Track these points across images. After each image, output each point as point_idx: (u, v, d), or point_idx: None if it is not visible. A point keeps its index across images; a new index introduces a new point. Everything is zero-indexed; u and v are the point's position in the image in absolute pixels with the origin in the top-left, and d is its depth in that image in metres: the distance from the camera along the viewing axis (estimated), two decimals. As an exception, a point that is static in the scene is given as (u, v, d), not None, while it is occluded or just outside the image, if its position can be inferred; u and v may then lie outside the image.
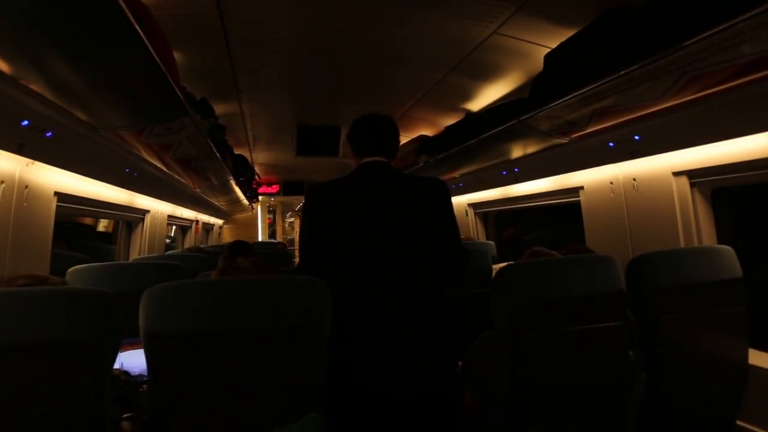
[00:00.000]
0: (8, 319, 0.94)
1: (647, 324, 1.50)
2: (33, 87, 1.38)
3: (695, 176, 2.04)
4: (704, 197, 2.08)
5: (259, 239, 9.18)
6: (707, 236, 2.07)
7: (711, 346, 1.54)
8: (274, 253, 3.68)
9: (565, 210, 3.17)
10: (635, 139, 2.03)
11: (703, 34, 1.21)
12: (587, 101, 1.79)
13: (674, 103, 1.59)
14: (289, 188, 7.49)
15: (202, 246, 4.65)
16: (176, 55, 2.06)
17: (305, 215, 1.51)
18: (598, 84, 1.65)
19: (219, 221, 7.79)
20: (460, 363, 1.51)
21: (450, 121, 3.46)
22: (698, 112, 1.65)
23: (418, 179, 1.57)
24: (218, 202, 5.34)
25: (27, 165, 1.87)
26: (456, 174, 3.72)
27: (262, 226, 9.64)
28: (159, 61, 1.42)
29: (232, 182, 4.30)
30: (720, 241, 2.06)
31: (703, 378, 1.53)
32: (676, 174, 2.08)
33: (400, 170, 1.59)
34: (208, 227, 6.99)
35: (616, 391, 1.40)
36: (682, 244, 2.07)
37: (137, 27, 1.21)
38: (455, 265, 1.47)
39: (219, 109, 3.28)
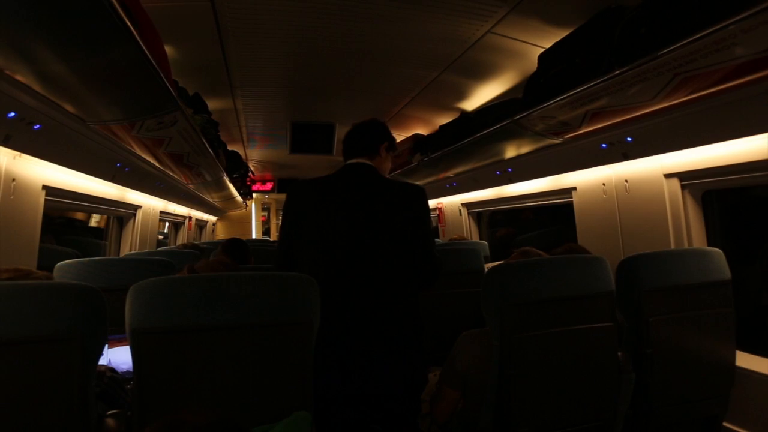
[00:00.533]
0: None
1: (636, 325, 1.50)
2: (19, 78, 1.36)
3: (686, 178, 2.05)
4: (695, 199, 2.09)
5: (253, 237, 9.14)
6: (697, 238, 2.08)
7: (699, 347, 1.55)
8: (267, 250, 3.65)
9: (558, 210, 3.18)
10: (628, 141, 2.04)
11: (695, 36, 1.21)
12: (580, 102, 1.79)
13: (666, 104, 1.59)
14: (283, 186, 7.45)
15: (196, 242, 4.62)
16: (169, 48, 2.04)
17: (284, 212, 1.53)
18: (591, 84, 1.65)
19: (212, 218, 7.75)
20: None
21: (444, 120, 3.46)
22: (690, 114, 1.66)
23: (397, 185, 1.56)
24: (212, 198, 5.30)
25: (14, 157, 1.85)
26: (450, 173, 3.72)
27: (256, 224, 9.60)
28: (149, 54, 1.40)
29: (226, 179, 4.27)
30: (710, 243, 2.08)
31: (690, 379, 1.54)
32: (668, 176, 2.09)
33: (381, 174, 1.60)
34: (201, 224, 6.95)
35: (605, 391, 1.40)
36: (673, 246, 2.08)
37: (125, 18, 1.19)
38: (428, 272, 1.51)
39: (212, 104, 3.25)
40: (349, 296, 1.40)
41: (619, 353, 1.42)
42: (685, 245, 2.07)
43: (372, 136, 1.61)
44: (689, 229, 2.08)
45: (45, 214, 2.20)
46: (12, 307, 0.95)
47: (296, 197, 1.52)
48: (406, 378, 1.45)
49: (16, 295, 0.96)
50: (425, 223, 1.51)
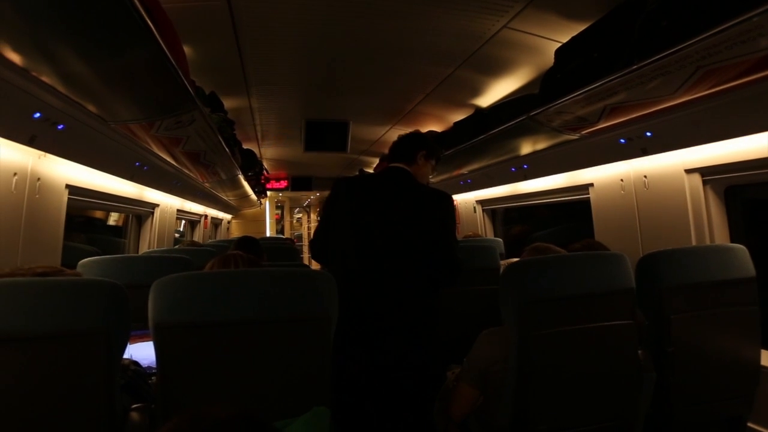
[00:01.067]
0: (20, 309, 0.96)
1: (657, 323, 1.48)
2: (44, 79, 1.39)
3: (708, 174, 2.01)
4: (717, 195, 2.05)
5: (267, 234, 9.23)
6: (720, 235, 2.04)
7: (722, 346, 1.52)
8: (281, 248, 3.69)
9: (574, 207, 3.14)
10: (647, 136, 2.00)
11: (718, 28, 1.18)
12: (598, 97, 1.77)
13: (688, 98, 1.56)
14: (297, 184, 7.50)
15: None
16: (186, 48, 2.07)
17: (326, 203, 1.72)
18: (609, 79, 1.63)
19: (227, 216, 7.84)
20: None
21: (459, 116, 3.44)
22: (713, 108, 1.62)
23: (427, 190, 1.71)
24: (227, 196, 5.37)
25: (39, 157, 1.90)
26: (464, 170, 3.71)
27: (270, 222, 9.69)
28: (169, 54, 1.43)
29: (241, 177, 4.32)
30: (733, 239, 2.03)
31: (713, 378, 1.51)
32: (689, 171, 2.05)
33: (417, 179, 1.75)
34: (216, 222, 7.04)
35: (625, 390, 1.38)
36: (694, 243, 2.04)
37: (147, 19, 1.21)
38: (447, 276, 1.64)
39: (228, 103, 3.29)
40: (375, 285, 1.55)
41: (640, 352, 1.40)
42: (707, 242, 2.03)
43: (410, 144, 1.79)
44: (711, 226, 2.04)
45: (67, 213, 2.25)
46: (42, 303, 0.97)
47: (338, 190, 1.70)
48: (421, 364, 1.59)
49: (47, 291, 0.99)
50: (449, 226, 1.65)
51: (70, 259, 2.20)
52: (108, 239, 3.86)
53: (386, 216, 1.59)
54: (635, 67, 1.51)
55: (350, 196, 1.66)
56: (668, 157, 2.11)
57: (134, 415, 1.11)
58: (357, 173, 5.79)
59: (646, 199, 2.29)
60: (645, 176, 2.27)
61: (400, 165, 1.73)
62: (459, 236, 4.30)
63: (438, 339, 1.63)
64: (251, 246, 2.44)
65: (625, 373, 1.38)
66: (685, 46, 1.28)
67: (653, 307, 1.48)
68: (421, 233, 1.58)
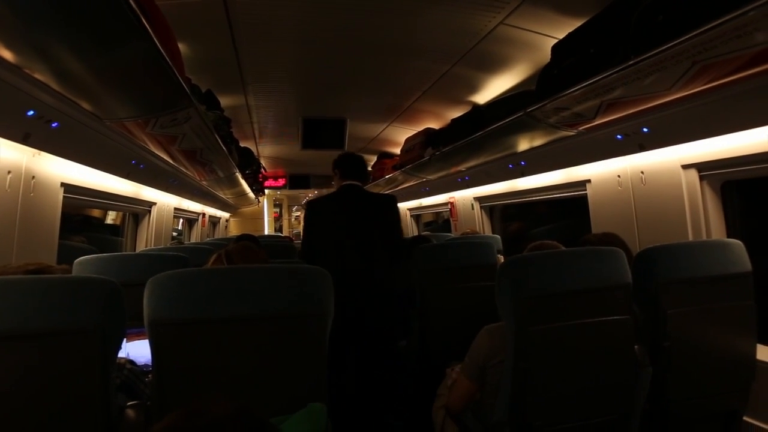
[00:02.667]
0: (15, 307, 0.96)
1: (653, 318, 1.48)
2: (38, 77, 1.38)
3: (705, 169, 2.01)
4: (714, 190, 2.05)
5: (266, 233, 9.22)
6: (716, 230, 2.04)
7: (718, 341, 1.52)
8: (279, 245, 3.68)
9: (572, 204, 3.15)
10: (644, 132, 2.00)
11: (714, 22, 1.18)
12: (595, 92, 1.76)
13: (684, 94, 1.56)
14: (295, 182, 7.49)
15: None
16: (181, 46, 2.06)
17: (306, 219, 2.35)
18: (606, 75, 1.63)
19: (225, 214, 7.83)
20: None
21: (456, 113, 3.44)
22: (709, 103, 1.62)
23: (377, 197, 2.41)
24: (224, 195, 5.36)
25: (33, 155, 1.89)
26: (462, 167, 3.70)
27: (268, 220, 9.68)
28: (163, 51, 1.42)
29: (238, 175, 4.31)
30: (729, 234, 2.04)
31: (709, 373, 1.51)
32: (685, 167, 2.05)
33: (366, 190, 2.39)
34: (214, 220, 7.03)
35: (621, 384, 1.38)
36: (691, 238, 2.04)
37: (141, 16, 1.20)
38: (398, 253, 2.27)
39: (224, 101, 3.28)
40: (351, 264, 2.15)
41: (636, 347, 1.41)
42: (704, 237, 2.03)
43: (360, 167, 2.40)
44: (708, 221, 2.04)
45: (63, 212, 2.24)
46: (37, 301, 0.97)
47: (313, 209, 2.34)
48: (385, 307, 2.21)
49: (40, 288, 0.99)
50: (396, 221, 2.34)
51: (66, 257, 2.19)
52: (105, 238, 3.85)
53: (354, 219, 2.22)
54: (631, 62, 1.50)
55: (323, 212, 2.30)
56: (665, 152, 2.11)
57: (130, 413, 1.11)
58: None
59: (643, 195, 2.29)
60: (642, 172, 2.27)
61: (354, 182, 2.32)
62: (457, 233, 4.32)
63: (394, 294, 2.27)
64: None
65: (621, 367, 1.38)
66: (681, 41, 1.28)
67: (650, 302, 1.48)
68: (379, 228, 2.23)
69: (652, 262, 1.48)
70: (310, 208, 2.35)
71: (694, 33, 1.23)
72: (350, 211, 2.23)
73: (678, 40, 1.28)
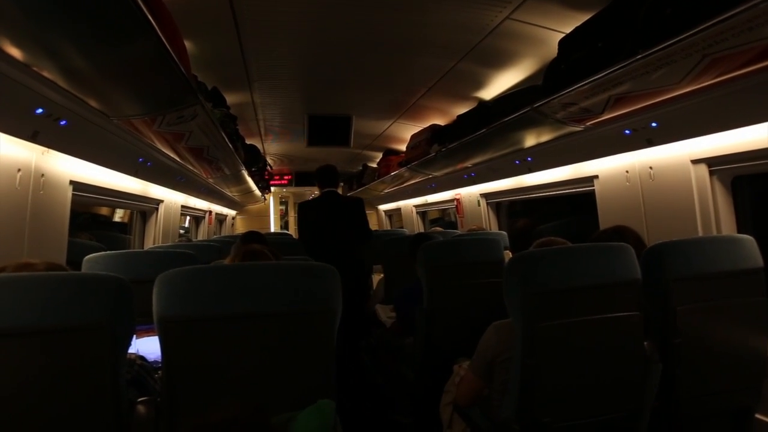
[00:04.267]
0: (26, 303, 0.96)
1: (663, 314, 1.47)
2: (46, 74, 1.39)
3: (715, 164, 1.98)
4: (724, 185, 2.02)
5: (272, 230, 9.24)
6: (727, 225, 2.02)
7: (729, 337, 1.51)
8: (285, 242, 3.70)
9: (579, 200, 3.12)
10: (652, 126, 1.98)
11: (724, 15, 1.16)
12: (603, 87, 1.74)
13: (694, 87, 1.54)
14: (301, 179, 7.50)
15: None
16: (187, 43, 2.06)
17: (299, 217, 3.37)
18: (614, 69, 1.60)
19: (232, 212, 7.85)
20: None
21: (462, 109, 3.42)
22: (720, 96, 1.60)
23: (349, 198, 3.55)
24: (231, 192, 5.38)
25: (42, 153, 1.90)
26: (468, 164, 3.69)
27: (274, 217, 9.69)
28: (169, 48, 1.42)
29: (244, 173, 4.32)
30: (740, 230, 2.01)
31: (720, 370, 1.50)
32: (695, 162, 2.02)
33: (340, 195, 3.64)
34: (221, 218, 7.05)
35: (631, 381, 1.38)
36: (701, 234, 2.02)
37: (147, 13, 1.20)
38: (364, 237, 3.29)
39: (230, 98, 3.29)
40: (332, 248, 3.05)
41: (646, 343, 1.40)
42: (714, 233, 2.01)
43: (333, 177, 3.44)
44: (718, 217, 2.01)
45: (72, 210, 2.26)
46: (48, 298, 0.98)
47: (304, 210, 3.41)
48: (356, 278, 3.18)
49: (52, 286, 0.99)
50: (363, 214, 3.34)
51: (75, 255, 2.21)
52: (114, 236, 3.88)
53: (332, 214, 3.27)
54: (640, 56, 1.48)
55: (313, 210, 3.36)
56: (674, 147, 2.08)
57: (140, 408, 1.12)
58: (360, 168, 6.71)
59: (651, 191, 2.27)
60: (650, 167, 2.25)
61: (330, 188, 3.39)
62: (463, 230, 4.30)
63: (363, 262, 3.35)
64: (256, 241, 2.47)
65: (630, 364, 1.37)
66: (691, 34, 1.26)
67: (659, 299, 1.47)
68: (350, 220, 3.27)
69: (662, 258, 1.47)
70: (303, 207, 3.48)
71: (705, 25, 1.21)
72: (330, 209, 3.29)
73: (688, 33, 1.26)
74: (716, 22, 1.19)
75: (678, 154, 2.09)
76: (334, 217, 3.23)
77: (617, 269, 1.38)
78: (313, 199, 3.47)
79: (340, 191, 7.04)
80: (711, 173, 2.02)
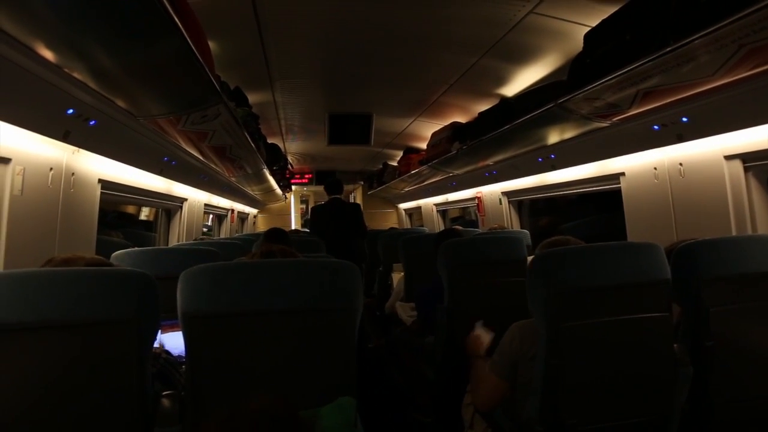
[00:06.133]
0: (56, 297, 0.99)
1: (694, 316, 1.42)
2: (76, 75, 1.43)
3: (750, 160, 1.90)
4: (760, 182, 1.94)
5: (293, 228, 9.33)
6: (763, 224, 1.93)
7: (765, 341, 1.44)
8: (306, 241, 3.73)
9: (604, 198, 3.05)
10: (683, 121, 1.91)
11: (764, 1, 1.11)
12: (631, 81, 1.69)
13: (729, 80, 1.48)
14: (321, 178, 7.54)
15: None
16: (211, 44, 2.10)
17: (312, 216, 4.50)
18: (642, 62, 1.56)
19: (254, 210, 7.97)
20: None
21: (483, 106, 3.38)
22: (756, 89, 1.53)
23: (349, 204, 5.13)
24: (252, 191, 5.45)
25: (73, 153, 1.96)
26: (490, 161, 3.65)
27: (295, 216, 9.79)
28: (194, 49, 1.45)
29: (266, 171, 4.37)
30: (777, 229, 1.93)
31: (756, 375, 1.43)
32: (728, 158, 1.95)
33: (344, 200, 4.66)
34: (243, 216, 7.16)
35: (659, 385, 1.33)
36: (734, 233, 1.94)
37: (173, 14, 1.22)
38: (359, 232, 4.23)
39: (252, 98, 3.33)
40: (335, 240, 3.76)
41: (676, 346, 1.35)
42: (749, 232, 1.93)
43: (338, 188, 4.25)
44: (753, 215, 1.93)
45: (100, 208, 2.33)
46: (76, 292, 1.00)
47: (316, 212, 4.39)
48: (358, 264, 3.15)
49: (81, 281, 1.02)
50: (361, 216, 4.25)
51: (104, 252, 2.28)
52: (140, 233, 3.98)
53: (338, 216, 4.14)
54: (671, 48, 1.43)
55: (322, 212, 4.29)
56: (706, 143, 2.01)
57: (165, 402, 1.14)
58: (381, 166, 6.81)
59: (681, 188, 2.20)
60: (680, 164, 2.18)
61: (336, 196, 4.23)
62: (484, 228, 4.26)
63: (364, 254, 4.44)
64: (280, 237, 2.48)
65: (659, 367, 1.33)
66: (727, 24, 1.20)
67: (691, 300, 1.41)
68: (350, 220, 4.16)
69: (694, 258, 1.41)
70: (315, 209, 4.52)
71: (742, 14, 1.16)
72: (334, 211, 4.19)
73: (724, 23, 1.21)
74: (754, 11, 1.14)
75: (710, 150, 2.02)
76: (337, 218, 4.13)
77: (646, 268, 1.33)
78: (323, 204, 4.43)
79: (360, 189, 8.70)
80: (746, 169, 1.94)
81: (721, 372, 1.39)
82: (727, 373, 1.39)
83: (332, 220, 4.10)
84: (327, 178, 7.83)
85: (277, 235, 2.54)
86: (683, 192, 2.19)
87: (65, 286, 1.01)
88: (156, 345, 1.32)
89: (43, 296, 0.98)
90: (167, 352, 1.37)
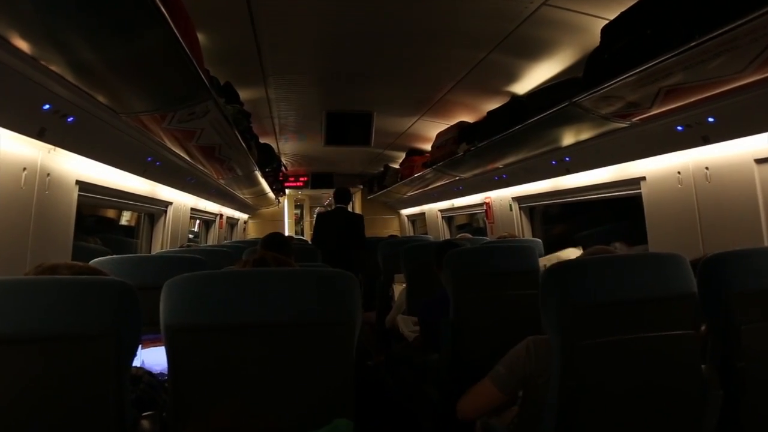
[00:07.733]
0: (24, 307, 0.97)
1: (724, 334, 1.40)
2: (53, 68, 1.43)
3: (783, 163, 1.90)
4: (794, 188, 1.93)
5: (286, 235, 9.32)
6: (798, 234, 1.92)
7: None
8: (301, 248, 3.72)
9: (623, 204, 3.04)
10: (709, 122, 1.91)
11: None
12: (652, 78, 1.69)
13: (760, 77, 1.48)
14: (317, 180, 7.55)
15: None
16: (200, 35, 2.10)
17: (317, 222, 4.80)
18: (665, 58, 1.55)
19: (244, 216, 7.96)
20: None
21: (493, 105, 3.38)
22: (791, 86, 1.53)
23: (352, 214, 5.61)
24: (243, 194, 5.45)
25: (49, 152, 1.96)
26: (499, 164, 3.65)
27: (288, 222, 9.79)
28: (182, 41, 1.44)
29: (258, 173, 4.37)
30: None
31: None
32: (759, 161, 1.94)
33: (348, 210, 5.13)
34: (232, 222, 7.15)
35: (686, 409, 1.31)
36: (766, 244, 1.93)
37: (159, 2, 1.22)
38: (359, 242, 4.58)
39: (244, 94, 3.33)
40: (335, 249, 4.27)
41: (703, 366, 1.33)
42: (782, 242, 1.92)
43: (346, 197, 4.81)
44: (787, 224, 1.93)
45: (78, 212, 2.32)
46: (48, 302, 0.99)
47: (320, 219, 4.80)
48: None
49: (52, 289, 1.01)
50: (361, 226, 4.65)
51: (80, 259, 2.26)
52: (120, 239, 3.97)
53: (339, 224, 4.57)
54: (696, 42, 1.43)
55: (327, 220, 4.76)
56: (734, 145, 2.00)
57: (145, 423, 1.12)
58: (382, 169, 6.86)
59: (707, 194, 2.19)
60: (706, 168, 2.17)
61: (342, 205, 4.71)
62: (493, 237, 4.25)
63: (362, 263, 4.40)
64: (280, 245, 2.41)
65: (686, 389, 1.31)
66: (760, 15, 1.20)
67: (719, 316, 1.40)
68: (351, 229, 4.55)
69: (723, 270, 1.39)
70: (320, 216, 4.91)
71: (775, 5, 1.16)
72: (337, 220, 4.64)
73: (756, 14, 1.20)
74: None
75: (739, 153, 2.01)
76: (340, 227, 4.58)
77: (669, 282, 1.32)
78: (329, 211, 5.15)
79: (359, 193, 8.60)
80: (778, 174, 1.93)
81: (754, 395, 1.37)
82: (761, 395, 1.37)
83: (335, 229, 4.55)
84: (323, 180, 7.98)
85: (277, 242, 2.46)
86: (710, 198, 2.18)
87: (35, 296, 0.99)
88: (135, 362, 1.30)
89: (11, 306, 0.97)
90: (149, 374, 1.35)
